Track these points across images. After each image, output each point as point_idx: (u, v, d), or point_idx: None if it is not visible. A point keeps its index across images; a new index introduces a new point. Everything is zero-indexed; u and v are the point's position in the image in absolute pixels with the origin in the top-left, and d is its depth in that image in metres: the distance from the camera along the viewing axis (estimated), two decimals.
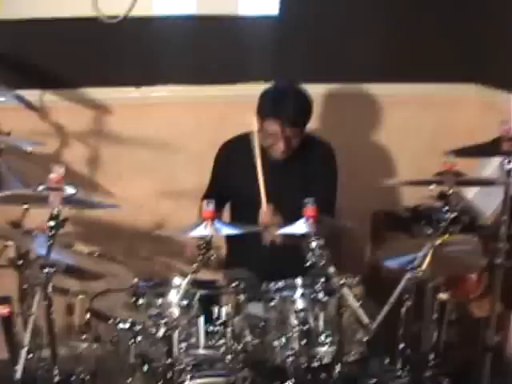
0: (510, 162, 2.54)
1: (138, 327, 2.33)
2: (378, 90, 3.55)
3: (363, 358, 2.27)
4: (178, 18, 3.32)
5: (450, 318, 2.36)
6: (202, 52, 3.38)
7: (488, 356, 2.79)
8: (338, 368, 2.17)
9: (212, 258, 2.08)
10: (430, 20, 3.51)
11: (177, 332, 2.18)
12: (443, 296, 2.09)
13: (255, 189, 2.78)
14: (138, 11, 3.23)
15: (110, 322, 2.40)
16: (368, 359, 2.28)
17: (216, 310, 2.31)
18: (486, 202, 2.98)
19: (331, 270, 2.10)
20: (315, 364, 2.20)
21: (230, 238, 3.06)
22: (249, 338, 2.34)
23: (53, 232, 2.04)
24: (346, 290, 2.09)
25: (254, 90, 3.19)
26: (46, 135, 3.30)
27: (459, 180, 2.29)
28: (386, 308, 2.02)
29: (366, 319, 2.02)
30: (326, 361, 2.23)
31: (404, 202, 3.63)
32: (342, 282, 2.09)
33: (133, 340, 2.30)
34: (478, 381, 2.49)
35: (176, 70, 3.41)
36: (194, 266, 2.09)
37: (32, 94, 3.23)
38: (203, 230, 2.09)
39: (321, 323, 2.29)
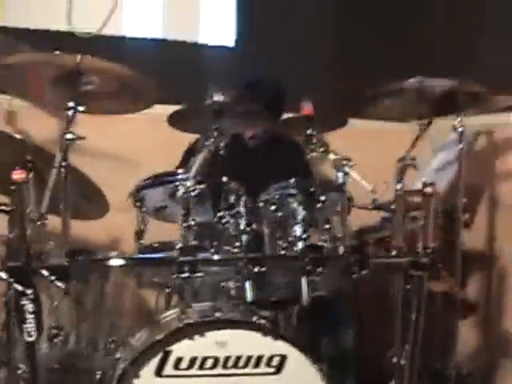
0: None
1: None
2: None
3: None
4: (144, 40, 3.61)
5: None
6: (164, 73, 3.61)
7: None
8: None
9: None
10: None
11: None
12: None
13: None
14: (109, 30, 3.50)
15: None
16: None
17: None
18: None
19: (331, 156, 2.26)
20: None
21: None
22: None
23: None
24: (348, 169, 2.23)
25: None
26: None
27: None
28: None
29: (370, 186, 2.16)
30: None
31: None
32: (344, 160, 2.23)
33: None
34: None
35: None
36: None
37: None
38: None
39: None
